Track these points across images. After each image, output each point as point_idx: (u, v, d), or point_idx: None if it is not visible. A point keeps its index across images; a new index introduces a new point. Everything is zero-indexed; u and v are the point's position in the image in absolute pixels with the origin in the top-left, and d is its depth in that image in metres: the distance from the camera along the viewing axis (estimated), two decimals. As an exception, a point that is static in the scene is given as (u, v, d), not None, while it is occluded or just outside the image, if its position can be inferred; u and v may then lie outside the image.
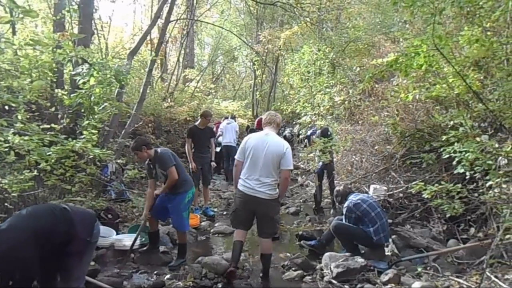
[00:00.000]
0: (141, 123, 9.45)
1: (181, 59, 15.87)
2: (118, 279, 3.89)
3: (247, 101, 21.31)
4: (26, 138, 3.73)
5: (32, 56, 4.40)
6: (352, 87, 9.57)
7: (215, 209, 7.24)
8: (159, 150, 4.55)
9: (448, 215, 4.59)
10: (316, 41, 12.37)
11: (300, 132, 11.65)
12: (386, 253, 4.54)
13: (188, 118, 12.07)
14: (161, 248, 4.71)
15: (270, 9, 17.46)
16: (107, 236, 4.60)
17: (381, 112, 7.46)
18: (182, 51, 15.77)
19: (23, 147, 3.72)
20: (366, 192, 5.94)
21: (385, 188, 6.01)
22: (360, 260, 4.21)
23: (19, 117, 3.98)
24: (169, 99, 12.83)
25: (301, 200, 8.03)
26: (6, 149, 3.71)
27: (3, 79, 4.11)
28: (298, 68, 13.02)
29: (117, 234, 4.97)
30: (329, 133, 7.24)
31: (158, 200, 4.58)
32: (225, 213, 7.10)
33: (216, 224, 6.25)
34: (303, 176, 9.98)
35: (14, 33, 5.84)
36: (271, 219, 4.12)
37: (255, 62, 18.12)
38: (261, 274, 4.22)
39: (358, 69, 10.18)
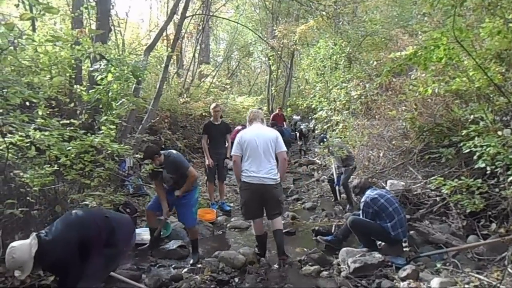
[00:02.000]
0: (157, 118, 9.53)
1: (196, 55, 15.92)
2: (137, 272, 3.95)
3: (262, 96, 21.23)
4: (47, 133, 3.79)
5: (51, 53, 4.48)
6: (369, 82, 9.44)
7: (231, 204, 7.26)
8: (169, 154, 4.56)
9: (468, 211, 4.52)
10: (332, 35, 12.24)
11: (316, 127, 11.57)
12: (404, 249, 4.49)
13: (204, 114, 12.10)
14: (178, 242, 4.75)
15: (285, 4, 17.35)
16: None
17: (398, 107, 7.36)
18: (198, 47, 15.82)
19: (44, 142, 3.79)
20: (383, 188, 5.88)
21: (403, 183, 5.93)
22: (377, 255, 4.17)
23: (40, 112, 4.05)
24: (185, 95, 12.91)
25: (317, 195, 7.99)
26: (27, 144, 3.78)
27: (24, 75, 4.19)
28: (314, 63, 12.93)
29: (135, 228, 5.04)
30: (324, 139, 7.53)
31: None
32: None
33: (232, 219, 6.27)
34: (319, 172, 9.93)
35: (34, 30, 5.93)
36: (277, 201, 4.47)
37: (271, 57, 18.03)
38: (277, 255, 4.40)
39: (375, 63, 10.03)
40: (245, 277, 4.11)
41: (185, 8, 8.31)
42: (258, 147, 4.35)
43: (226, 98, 16.08)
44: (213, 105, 7.00)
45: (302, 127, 12.88)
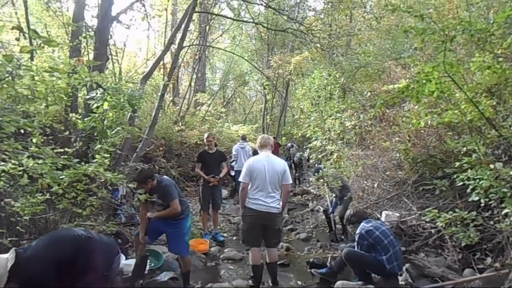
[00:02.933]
0: (152, 146, 9.52)
1: (192, 84, 16.12)
2: (127, 305, 3.84)
3: (257, 125, 21.40)
4: (40, 161, 3.77)
5: (48, 81, 4.50)
6: (363, 112, 9.57)
7: (225, 234, 7.17)
8: (162, 180, 4.46)
9: (463, 244, 4.49)
10: (327, 66, 12.48)
11: (311, 156, 11.61)
12: (400, 282, 4.42)
13: (198, 142, 12.12)
14: (170, 274, 4.64)
15: (281, 35, 17.74)
16: (117, 260, 4.55)
17: (392, 138, 7.43)
18: (194, 76, 16.03)
19: (37, 171, 3.75)
20: (378, 219, 5.85)
21: (398, 214, 5.91)
22: (373, 289, 4.11)
23: (34, 140, 4.04)
24: (180, 123, 12.96)
25: (312, 226, 7.91)
26: (20, 172, 3.74)
27: (19, 104, 4.20)
28: (308, 93, 13.12)
29: (126, 259, 4.94)
30: (320, 170, 7.51)
31: (153, 222, 4.46)
32: (235, 238, 7.03)
33: (225, 250, 6.17)
34: (314, 202, 9.88)
35: (32, 58, 5.99)
36: (278, 230, 4.63)
37: (266, 87, 18.31)
38: (270, 283, 4.52)
39: (368, 94, 10.20)
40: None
41: (183, 38, 8.46)
42: (266, 178, 4.46)
43: (221, 126, 16.16)
44: (206, 135, 7.03)
45: (295, 157, 12.91)
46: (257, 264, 4.55)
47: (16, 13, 8.38)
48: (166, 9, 12.70)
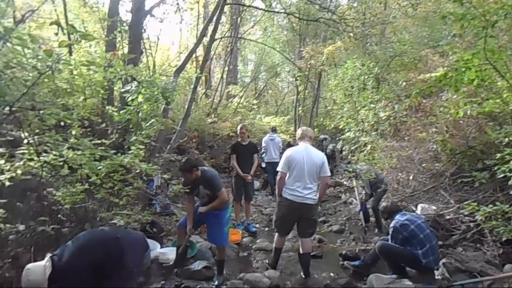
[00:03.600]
0: (185, 138, 9.67)
1: (224, 76, 16.22)
2: (162, 292, 3.95)
3: (289, 116, 21.26)
4: (79, 152, 3.91)
5: (86, 75, 4.65)
6: (398, 103, 9.31)
7: (257, 225, 7.21)
8: (206, 171, 4.52)
9: (504, 238, 4.32)
10: (360, 56, 12.20)
11: (343, 148, 11.43)
12: (436, 277, 4.31)
13: (231, 134, 12.22)
14: (203, 263, 4.72)
15: (313, 25, 17.43)
16: (152, 249, 4.67)
17: (429, 129, 7.21)
18: (226, 68, 16.11)
19: (76, 161, 3.90)
20: (413, 211, 5.70)
21: (434, 207, 5.75)
22: (408, 283, 4.03)
23: (73, 132, 4.19)
24: (212, 115, 13.09)
25: (344, 218, 7.82)
26: (61, 163, 3.90)
27: (59, 97, 4.35)
28: (341, 83, 12.87)
29: (161, 247, 5.07)
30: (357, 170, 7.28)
31: (195, 214, 4.57)
32: (266, 229, 7.06)
33: (258, 240, 6.21)
34: (347, 194, 9.76)
35: (70, 53, 6.19)
36: (314, 220, 4.69)
37: (298, 78, 18.10)
38: (303, 275, 4.60)
39: (404, 84, 9.90)
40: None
41: (214, 31, 8.49)
42: (305, 170, 4.51)
43: (253, 118, 16.19)
44: (240, 126, 7.08)
45: (328, 149, 12.74)
46: (280, 247, 4.85)
47: (55, 10, 8.68)
48: (198, 2, 12.77)
